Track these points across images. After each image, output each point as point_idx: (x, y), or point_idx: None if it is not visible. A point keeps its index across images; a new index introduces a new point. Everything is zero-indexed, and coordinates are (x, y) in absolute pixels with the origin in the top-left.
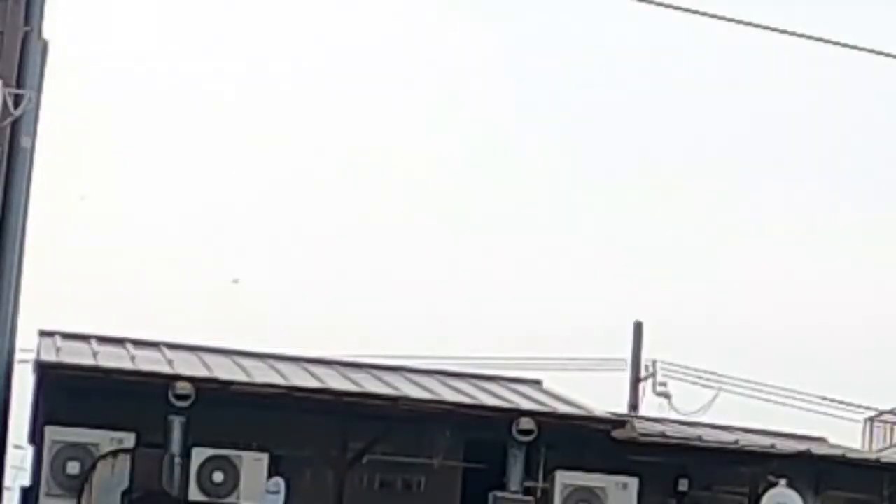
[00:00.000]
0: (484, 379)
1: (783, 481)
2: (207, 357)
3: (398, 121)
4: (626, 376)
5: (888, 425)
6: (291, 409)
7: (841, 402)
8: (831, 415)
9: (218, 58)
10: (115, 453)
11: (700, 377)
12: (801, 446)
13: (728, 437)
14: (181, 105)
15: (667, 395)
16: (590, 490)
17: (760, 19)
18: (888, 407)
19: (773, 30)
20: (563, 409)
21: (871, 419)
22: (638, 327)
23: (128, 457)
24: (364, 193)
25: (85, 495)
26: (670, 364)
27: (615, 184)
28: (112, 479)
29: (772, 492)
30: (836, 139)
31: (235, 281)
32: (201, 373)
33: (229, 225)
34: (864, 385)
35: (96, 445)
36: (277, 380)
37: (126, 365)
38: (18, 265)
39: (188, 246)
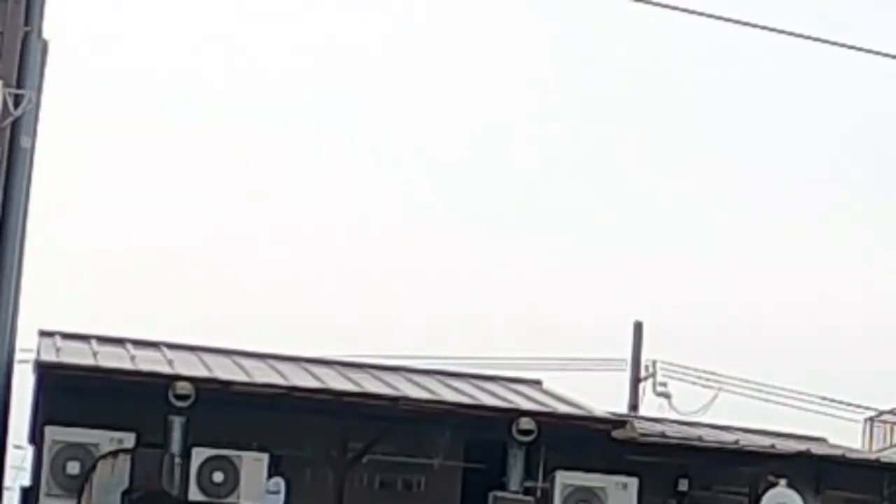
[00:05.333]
0: (484, 379)
1: (783, 481)
2: (207, 357)
3: (396, 119)
4: (626, 376)
5: (888, 425)
6: (291, 409)
7: (841, 402)
8: (831, 415)
9: (218, 58)
10: (115, 453)
11: (700, 377)
12: (801, 446)
13: (728, 437)
14: (181, 104)
15: (667, 395)
16: (590, 490)
17: (760, 19)
18: (888, 407)
19: (773, 30)
20: (563, 409)
21: (871, 419)
22: (638, 327)
23: (128, 457)
24: (363, 193)
25: (85, 495)
26: (670, 364)
27: (615, 184)
28: (112, 479)
29: (772, 492)
30: (838, 139)
31: None
32: (201, 373)
33: (229, 225)
34: (864, 385)
35: (96, 445)
36: (277, 380)
37: (126, 365)
38: (18, 265)
39: (188, 246)
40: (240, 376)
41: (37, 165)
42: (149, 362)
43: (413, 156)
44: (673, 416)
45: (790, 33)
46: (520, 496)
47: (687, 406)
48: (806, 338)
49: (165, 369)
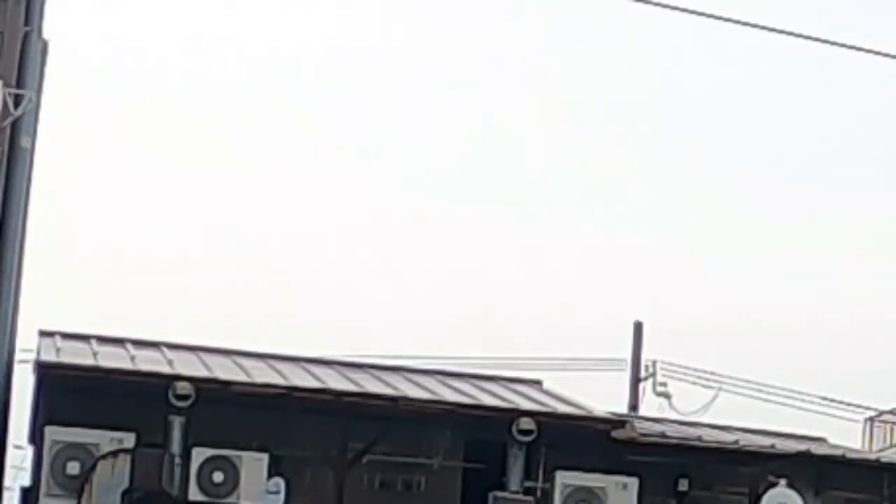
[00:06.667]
0: (484, 379)
1: (783, 481)
2: (207, 357)
3: (396, 119)
4: (626, 376)
5: (888, 425)
6: (291, 409)
7: (841, 402)
8: (831, 415)
9: (218, 58)
10: (115, 453)
11: (700, 377)
12: (801, 446)
13: (728, 437)
14: (181, 105)
15: (667, 395)
16: (590, 490)
17: (761, 20)
18: (888, 407)
19: (773, 30)
20: (563, 409)
21: (871, 419)
22: (638, 327)
23: (128, 457)
24: (363, 193)
25: (85, 495)
26: (670, 364)
27: (615, 184)
28: (112, 479)
29: (772, 492)
30: (838, 139)
31: None
32: (201, 373)
33: (229, 225)
34: (864, 385)
35: (96, 445)
36: (277, 380)
37: (126, 365)
38: (18, 265)
39: (188, 246)
40: (240, 376)
41: (37, 165)
42: (149, 362)
43: (413, 155)
44: (673, 416)
45: (790, 33)
46: (520, 496)
47: (687, 406)
48: (806, 338)
49: (165, 369)
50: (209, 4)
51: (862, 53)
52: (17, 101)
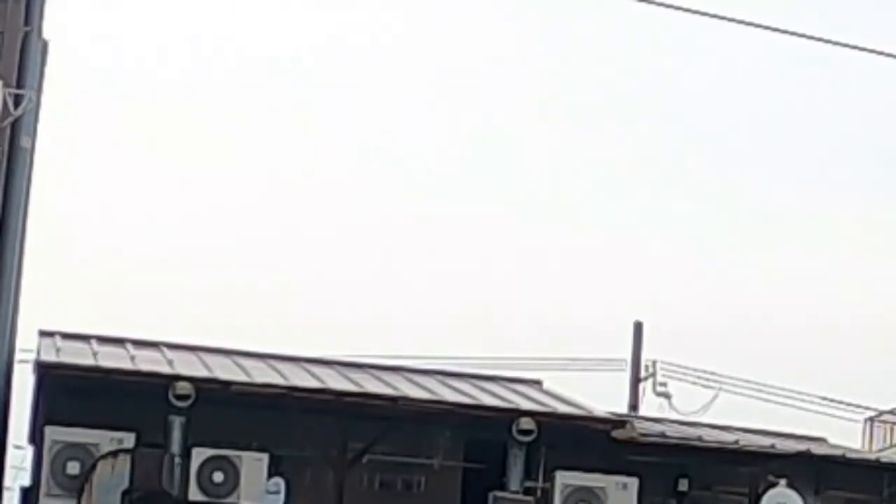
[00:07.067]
0: (484, 379)
1: (783, 481)
2: (207, 357)
3: (396, 119)
4: (626, 376)
5: (888, 425)
6: (291, 409)
7: (841, 402)
8: (831, 415)
9: (218, 58)
10: (115, 453)
11: (700, 377)
12: (801, 446)
13: (728, 437)
14: (181, 105)
15: (667, 395)
16: (590, 490)
17: (761, 19)
18: (888, 407)
19: (774, 30)
20: (563, 409)
21: (871, 419)
22: (638, 327)
23: (128, 457)
24: (363, 193)
25: (85, 495)
26: (670, 364)
27: (616, 184)
28: (112, 479)
29: (772, 492)
30: (837, 139)
31: None
32: (201, 373)
33: (229, 225)
34: (864, 385)
35: (96, 445)
36: (277, 380)
37: (126, 365)
38: (18, 265)
39: (188, 246)
40: (240, 376)
41: (37, 165)
42: (149, 362)
43: (413, 155)
44: (673, 416)
45: (791, 33)
46: (520, 496)
47: (687, 406)
48: (806, 338)
49: (165, 369)
50: (209, 4)
51: (863, 53)
52: (17, 101)
